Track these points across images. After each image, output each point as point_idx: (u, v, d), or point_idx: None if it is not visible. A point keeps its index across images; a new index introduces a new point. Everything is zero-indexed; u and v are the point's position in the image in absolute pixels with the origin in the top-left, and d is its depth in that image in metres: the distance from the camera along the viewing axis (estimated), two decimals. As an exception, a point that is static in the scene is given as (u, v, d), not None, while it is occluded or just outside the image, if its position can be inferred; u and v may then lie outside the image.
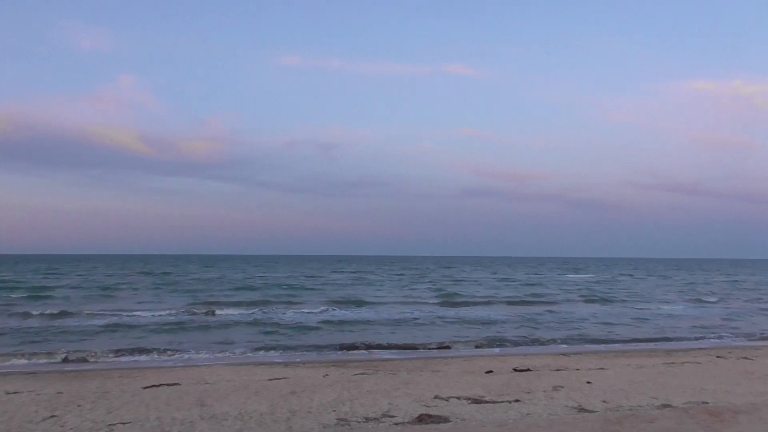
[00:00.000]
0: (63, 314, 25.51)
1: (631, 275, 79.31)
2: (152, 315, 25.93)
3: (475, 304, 33.85)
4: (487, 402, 8.69)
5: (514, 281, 59.11)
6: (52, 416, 8.06)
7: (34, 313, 26.09)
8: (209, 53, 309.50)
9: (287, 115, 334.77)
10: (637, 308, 32.89)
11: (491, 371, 12.64)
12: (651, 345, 20.08)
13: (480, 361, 15.08)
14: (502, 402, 8.68)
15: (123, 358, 16.31)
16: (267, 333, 21.28)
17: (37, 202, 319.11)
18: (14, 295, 35.81)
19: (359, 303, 32.81)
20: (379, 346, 18.44)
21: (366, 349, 18.16)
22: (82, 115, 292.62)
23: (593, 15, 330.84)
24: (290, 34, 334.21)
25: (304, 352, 17.61)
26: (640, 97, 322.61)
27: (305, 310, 28.77)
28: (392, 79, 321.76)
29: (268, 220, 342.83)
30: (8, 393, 10.36)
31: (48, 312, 26.00)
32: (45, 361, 15.79)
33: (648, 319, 27.54)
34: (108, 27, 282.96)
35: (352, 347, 18.30)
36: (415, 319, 26.29)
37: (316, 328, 22.55)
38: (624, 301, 37.28)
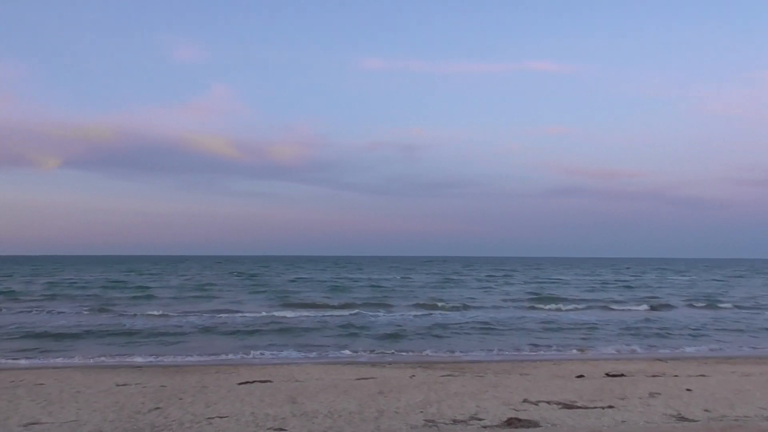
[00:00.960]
0: (163, 315, 26.97)
1: (742, 277, 73.67)
2: (244, 316, 26.99)
3: (572, 307, 32.54)
4: (578, 407, 8.44)
5: (612, 283, 56.80)
6: (157, 408, 8.58)
7: (139, 312, 27.78)
8: (294, 59, 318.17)
9: (371, 118, 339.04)
10: (750, 312, 30.80)
11: (582, 376, 12.26)
12: (758, 351, 18.79)
13: (570, 365, 14.67)
14: (595, 408, 8.40)
15: (218, 356, 17.09)
16: (354, 334, 21.58)
17: (140, 206, 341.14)
18: (121, 295, 38.36)
19: (450, 306, 32.41)
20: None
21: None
22: (180, 123, 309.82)
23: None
24: (372, 36, 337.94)
25: (391, 353, 17.76)
26: (741, 87, 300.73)
27: (396, 313, 28.88)
28: (475, 78, 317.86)
29: (354, 222, 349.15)
30: (118, 385, 11.15)
31: (149, 313, 27.54)
32: (150, 358, 16.80)
33: (760, 324, 25.72)
34: (201, 38, 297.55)
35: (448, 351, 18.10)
36: (503, 322, 25.85)
37: (406, 330, 22.52)
38: (736, 306, 34.45)
